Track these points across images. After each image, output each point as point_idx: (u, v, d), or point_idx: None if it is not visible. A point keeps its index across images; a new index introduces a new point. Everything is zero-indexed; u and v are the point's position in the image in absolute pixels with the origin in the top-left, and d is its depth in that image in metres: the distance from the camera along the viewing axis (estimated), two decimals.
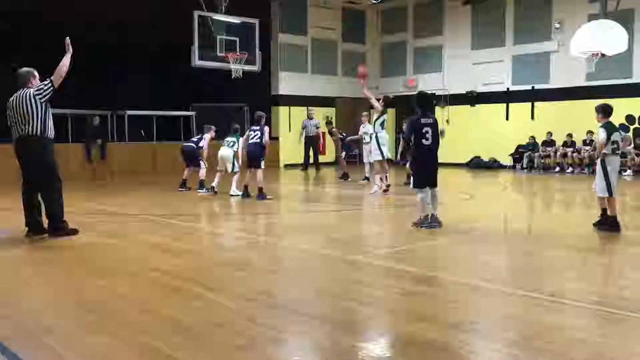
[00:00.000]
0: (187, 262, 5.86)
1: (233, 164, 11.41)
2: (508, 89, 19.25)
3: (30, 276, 5.34)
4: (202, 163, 12.23)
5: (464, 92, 20.10)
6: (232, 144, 11.42)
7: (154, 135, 17.94)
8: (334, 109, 21.63)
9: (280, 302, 4.54)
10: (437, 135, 7.56)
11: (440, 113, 20.75)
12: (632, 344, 3.59)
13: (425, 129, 7.44)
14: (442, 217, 7.63)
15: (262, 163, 10.87)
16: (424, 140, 7.42)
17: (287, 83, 20.58)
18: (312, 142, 18.12)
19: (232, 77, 16.21)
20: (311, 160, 18.20)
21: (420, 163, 7.59)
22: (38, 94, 6.72)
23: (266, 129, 10.81)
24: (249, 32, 16.70)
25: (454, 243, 6.92)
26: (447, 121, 20.43)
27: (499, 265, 5.99)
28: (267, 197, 10.78)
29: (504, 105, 19.41)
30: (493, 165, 19.25)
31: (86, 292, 4.74)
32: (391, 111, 21.79)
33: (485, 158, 19.68)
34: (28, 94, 6.74)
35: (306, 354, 3.54)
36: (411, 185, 8.11)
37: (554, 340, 3.60)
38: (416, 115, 7.59)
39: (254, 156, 10.79)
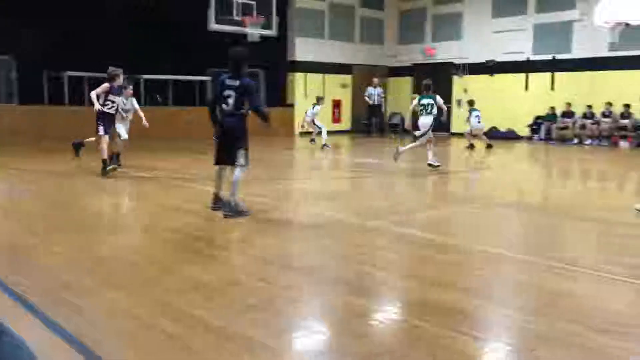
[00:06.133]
0: (204, 222, 5.91)
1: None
2: (528, 58, 18.89)
3: (47, 232, 5.41)
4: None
5: (483, 61, 19.79)
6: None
7: (170, 100, 17.96)
8: (350, 76, 21.43)
9: (296, 265, 4.57)
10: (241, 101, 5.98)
11: (459, 82, 20.51)
12: None
13: (228, 92, 5.98)
14: (463, 185, 7.58)
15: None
16: (224, 106, 6.02)
17: (303, 49, 20.35)
18: (376, 111, 19.27)
19: (248, 41, 16.06)
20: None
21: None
22: None
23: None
24: None
25: (471, 211, 6.90)
26: (465, 90, 20.17)
27: (515, 233, 5.97)
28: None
29: (524, 75, 19.09)
30: (510, 136, 19.04)
31: (103, 249, 4.81)
32: (406, 80, 21.65)
33: (503, 129, 19.45)
34: None
35: (319, 314, 3.57)
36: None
37: (568, 307, 3.60)
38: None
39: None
